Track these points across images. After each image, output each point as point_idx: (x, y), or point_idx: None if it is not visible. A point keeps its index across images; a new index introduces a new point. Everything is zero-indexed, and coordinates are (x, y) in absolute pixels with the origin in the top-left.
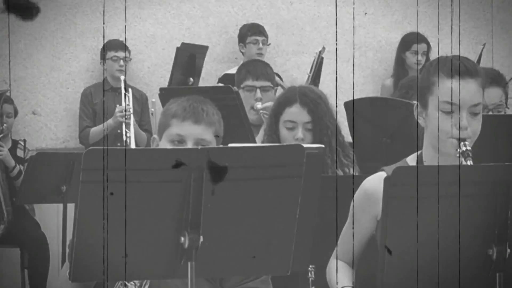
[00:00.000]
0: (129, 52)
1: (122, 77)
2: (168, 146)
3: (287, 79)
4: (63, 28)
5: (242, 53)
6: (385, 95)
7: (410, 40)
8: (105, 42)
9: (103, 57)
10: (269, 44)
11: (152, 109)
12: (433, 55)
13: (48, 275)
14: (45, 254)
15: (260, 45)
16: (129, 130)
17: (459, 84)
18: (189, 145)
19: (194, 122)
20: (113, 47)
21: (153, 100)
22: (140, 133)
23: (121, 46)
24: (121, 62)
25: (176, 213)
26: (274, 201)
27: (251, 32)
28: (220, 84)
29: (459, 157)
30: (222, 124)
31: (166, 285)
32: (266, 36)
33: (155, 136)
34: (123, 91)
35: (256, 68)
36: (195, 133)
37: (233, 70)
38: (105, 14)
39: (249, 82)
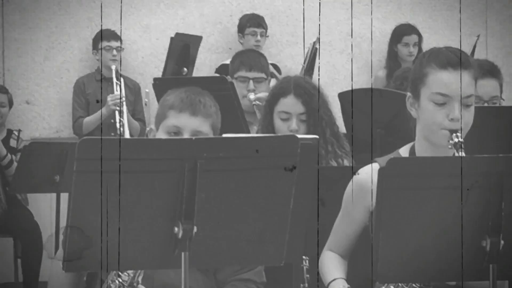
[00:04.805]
0: (121, 41)
1: (113, 67)
2: (165, 137)
3: (281, 69)
4: (57, 18)
5: (241, 43)
6: (378, 86)
7: (401, 32)
8: (99, 32)
9: (96, 47)
10: (268, 36)
11: (146, 99)
12: (426, 46)
13: (41, 264)
14: (38, 243)
15: (258, 37)
16: (123, 119)
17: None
18: (186, 136)
19: (191, 114)
20: (105, 37)
21: (147, 90)
22: (133, 123)
23: (114, 35)
24: (114, 52)
25: (170, 203)
26: (268, 192)
27: (250, 24)
28: (215, 75)
29: (451, 148)
30: (219, 116)
31: (160, 276)
32: (265, 28)
33: (152, 127)
34: (114, 80)
35: (250, 59)
36: (192, 125)
37: (229, 61)
38: (99, 4)
39: (242, 73)
